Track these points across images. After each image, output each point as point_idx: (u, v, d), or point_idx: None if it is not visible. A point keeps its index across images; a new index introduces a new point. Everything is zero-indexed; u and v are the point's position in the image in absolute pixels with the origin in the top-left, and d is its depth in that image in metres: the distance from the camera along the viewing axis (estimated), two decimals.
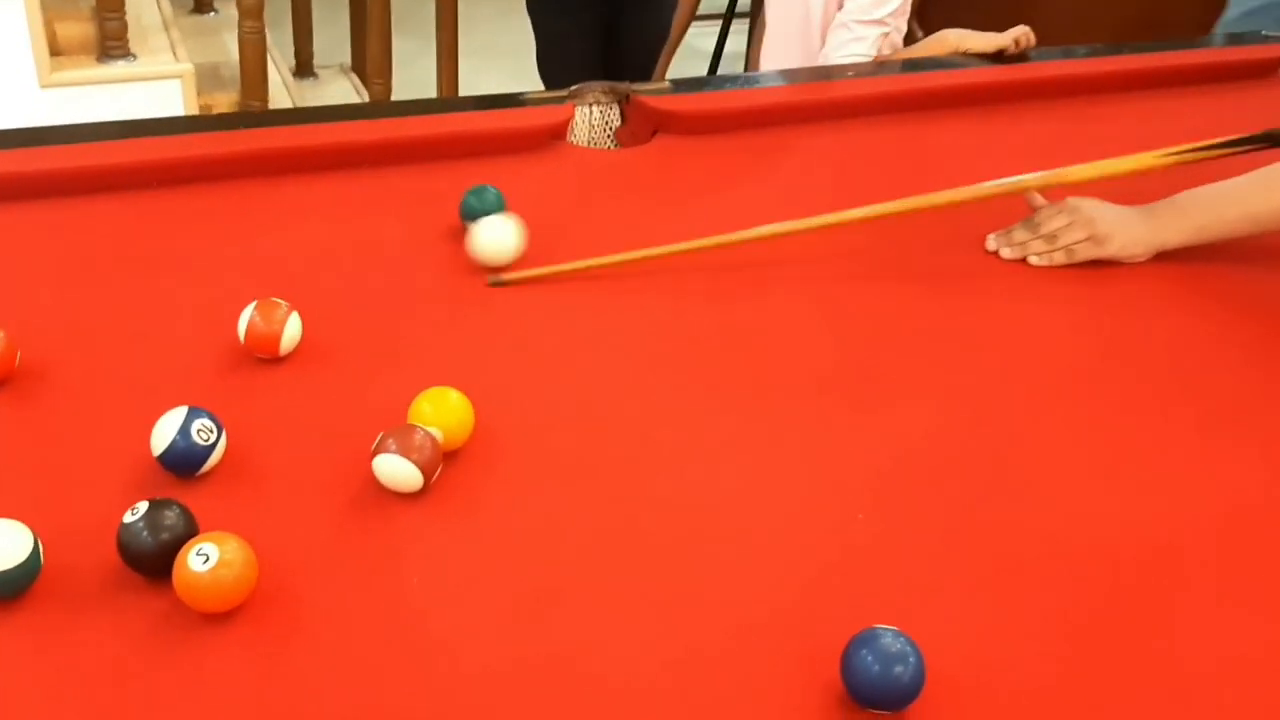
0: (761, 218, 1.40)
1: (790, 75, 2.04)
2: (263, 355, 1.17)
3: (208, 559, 0.86)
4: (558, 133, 1.73)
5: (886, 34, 2.19)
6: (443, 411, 1.05)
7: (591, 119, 1.79)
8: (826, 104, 1.88)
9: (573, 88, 1.78)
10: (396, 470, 0.99)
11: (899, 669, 0.82)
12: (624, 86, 1.80)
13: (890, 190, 1.41)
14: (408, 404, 1.05)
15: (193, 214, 1.44)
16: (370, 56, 2.93)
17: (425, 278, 1.36)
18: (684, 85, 1.86)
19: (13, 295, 1.26)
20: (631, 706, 0.84)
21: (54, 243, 1.36)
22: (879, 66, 2.14)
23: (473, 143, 1.67)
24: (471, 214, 1.39)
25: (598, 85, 1.79)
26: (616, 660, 0.88)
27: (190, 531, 0.91)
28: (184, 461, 1.00)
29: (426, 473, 1.00)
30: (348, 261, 1.37)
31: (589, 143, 1.78)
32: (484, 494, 1.03)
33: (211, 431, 1.01)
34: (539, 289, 1.34)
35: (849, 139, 1.80)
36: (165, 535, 0.90)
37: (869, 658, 0.83)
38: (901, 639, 0.83)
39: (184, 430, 0.99)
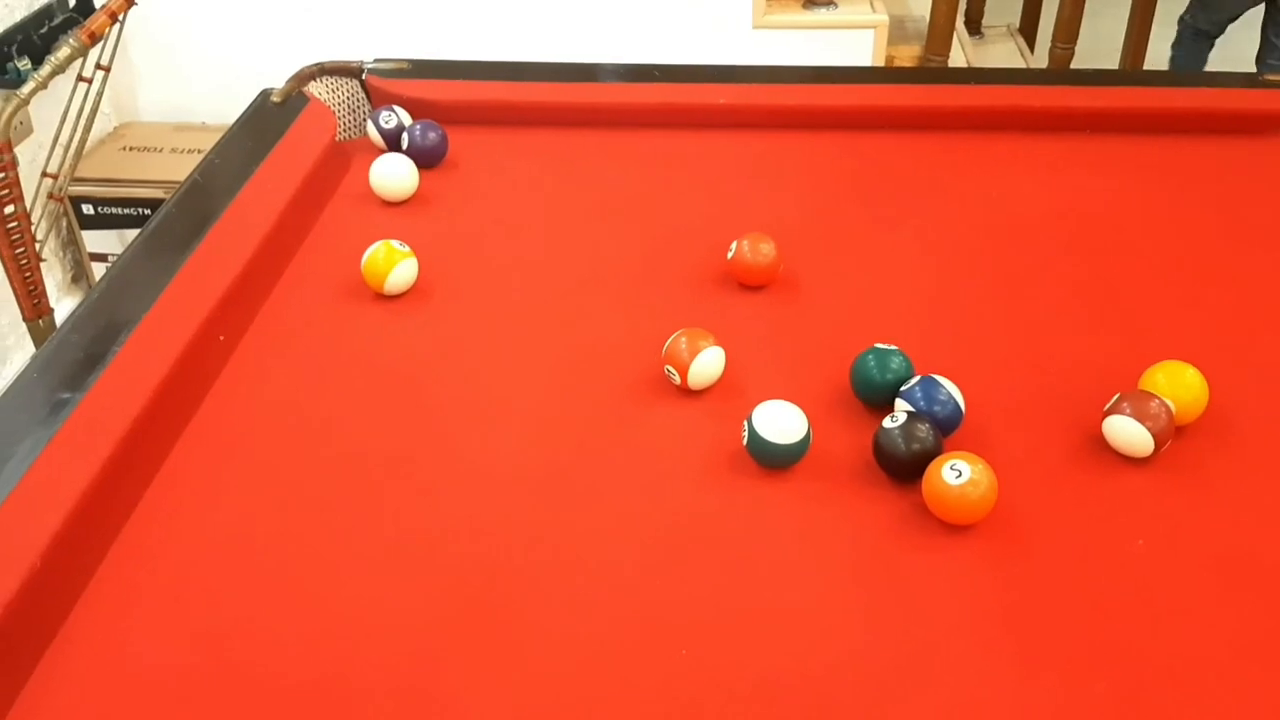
0: None
1: None
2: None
3: (960, 474, 0.96)
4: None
5: None
6: (1178, 385, 1.06)
7: None
8: None
9: None
10: (1129, 433, 1.02)
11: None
12: None
13: None
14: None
15: (880, 158, 1.57)
16: (1060, 19, 2.91)
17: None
18: None
19: (767, 208, 1.44)
20: None
21: (765, 166, 1.56)
22: None
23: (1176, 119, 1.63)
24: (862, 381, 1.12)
25: None
26: None
27: (938, 448, 1.01)
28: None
29: (1159, 441, 1.02)
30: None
31: None
32: (1216, 469, 1.03)
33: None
34: None
35: None
36: (916, 446, 1.01)
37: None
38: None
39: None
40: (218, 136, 1.55)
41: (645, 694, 0.84)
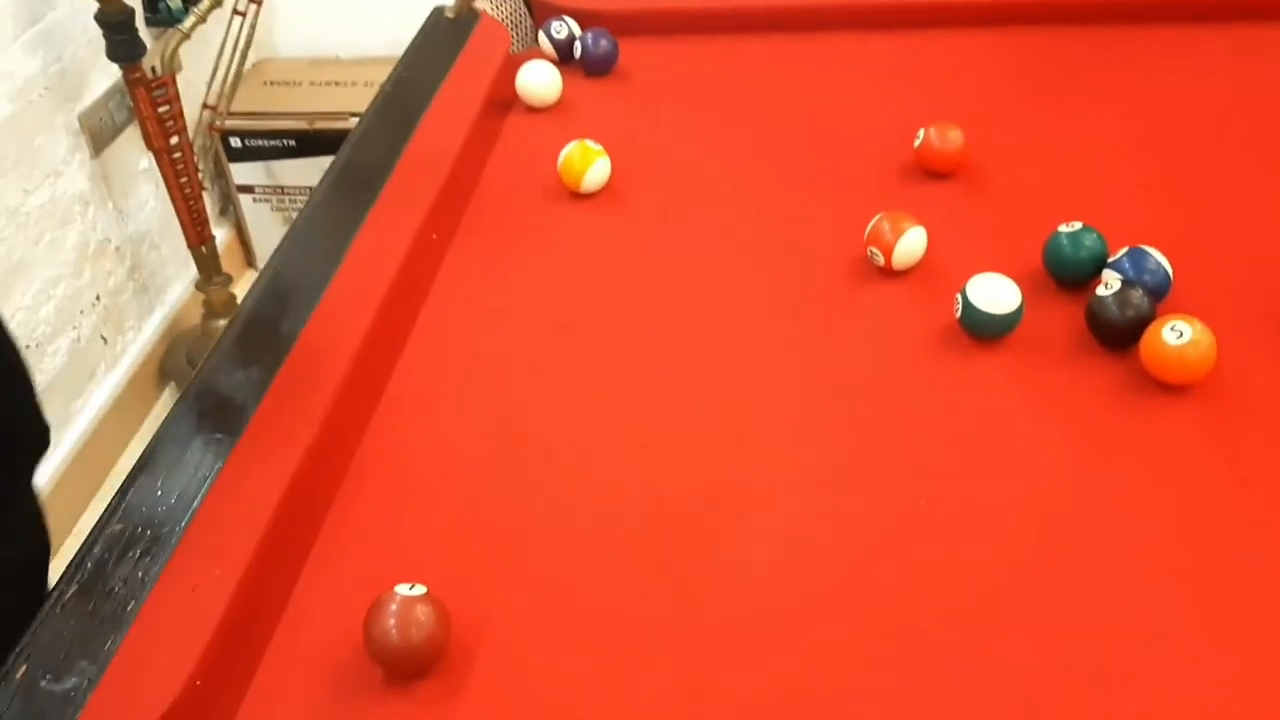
0: None
1: None
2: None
3: (1181, 334, 0.98)
4: None
5: None
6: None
7: None
8: None
9: None
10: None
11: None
12: None
13: None
14: None
15: (1065, 51, 1.56)
16: None
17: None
18: None
19: (951, 101, 1.46)
20: None
21: (948, 63, 1.57)
22: None
23: None
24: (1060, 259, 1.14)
25: None
26: None
27: (1153, 314, 1.03)
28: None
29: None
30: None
31: None
32: None
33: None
34: None
35: None
36: (1131, 312, 1.03)
37: None
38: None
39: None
40: (353, 70, 1.60)
41: (875, 560, 0.89)
